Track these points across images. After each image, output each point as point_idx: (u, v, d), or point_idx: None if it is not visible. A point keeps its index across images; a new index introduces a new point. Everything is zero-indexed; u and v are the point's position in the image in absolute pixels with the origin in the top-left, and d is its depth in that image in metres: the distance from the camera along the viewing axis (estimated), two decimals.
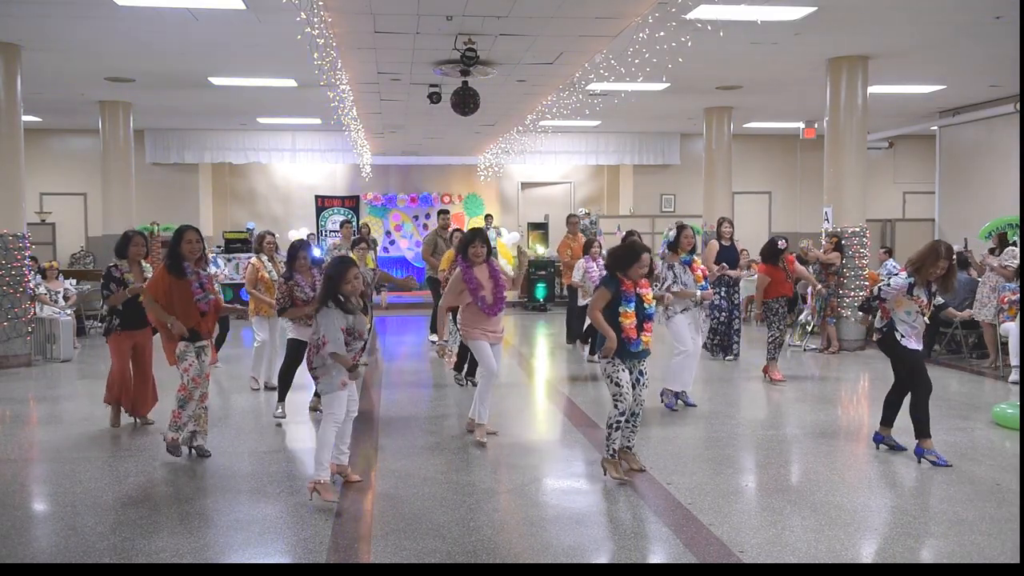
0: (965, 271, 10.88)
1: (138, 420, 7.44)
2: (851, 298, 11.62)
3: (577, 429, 7.38)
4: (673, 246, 8.03)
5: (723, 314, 10.74)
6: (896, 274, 6.48)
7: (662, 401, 8.02)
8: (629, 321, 5.65)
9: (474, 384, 8.50)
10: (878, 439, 6.56)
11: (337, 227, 20.10)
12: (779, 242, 9.36)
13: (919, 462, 6.14)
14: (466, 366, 9.19)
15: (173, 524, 5.00)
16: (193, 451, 6.39)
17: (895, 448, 6.45)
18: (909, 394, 6.31)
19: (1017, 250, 10.41)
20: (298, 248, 7.54)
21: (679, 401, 8.04)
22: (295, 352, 7.50)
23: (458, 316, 7.04)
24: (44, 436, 7.25)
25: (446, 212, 13.00)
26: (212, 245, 17.38)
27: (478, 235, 6.91)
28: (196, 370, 6.27)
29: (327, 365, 5.41)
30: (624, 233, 10.96)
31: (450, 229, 12.14)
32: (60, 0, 8.74)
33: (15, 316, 10.63)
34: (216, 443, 6.75)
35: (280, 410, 7.64)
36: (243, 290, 11.02)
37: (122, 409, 7.42)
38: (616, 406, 5.66)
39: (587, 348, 10.94)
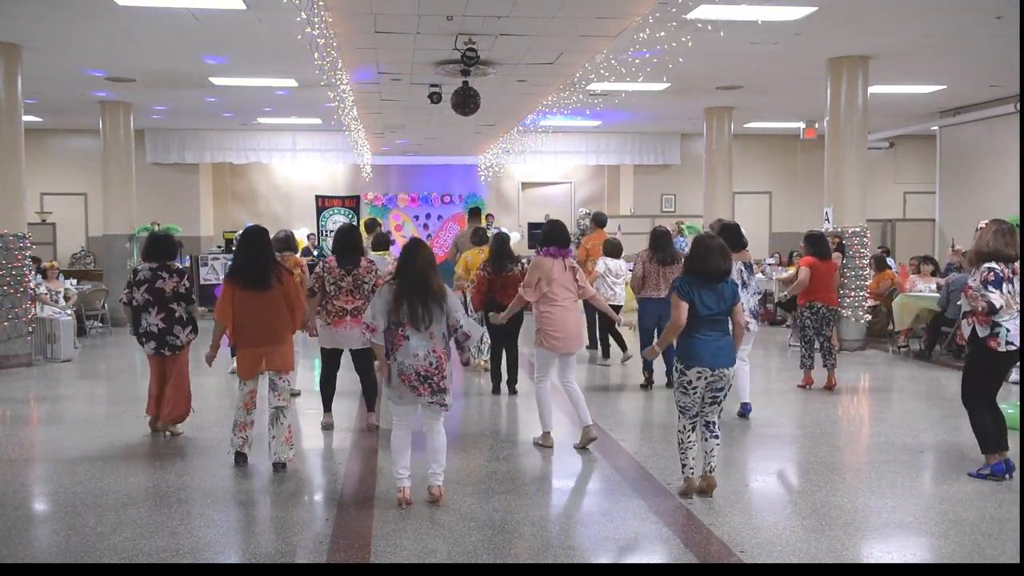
0: (959, 270, 10.86)
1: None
2: (851, 298, 11.61)
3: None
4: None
5: None
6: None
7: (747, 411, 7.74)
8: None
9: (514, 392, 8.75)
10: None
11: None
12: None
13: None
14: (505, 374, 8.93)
15: (173, 524, 4.99)
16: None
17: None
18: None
19: None
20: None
21: None
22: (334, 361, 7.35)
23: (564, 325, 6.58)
24: (44, 436, 7.24)
25: (478, 210, 12.46)
26: (212, 245, 17.39)
27: None
28: None
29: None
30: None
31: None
32: (60, 0, 8.74)
33: (15, 316, 10.62)
34: (217, 444, 6.75)
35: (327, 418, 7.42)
36: None
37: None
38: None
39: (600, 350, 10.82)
